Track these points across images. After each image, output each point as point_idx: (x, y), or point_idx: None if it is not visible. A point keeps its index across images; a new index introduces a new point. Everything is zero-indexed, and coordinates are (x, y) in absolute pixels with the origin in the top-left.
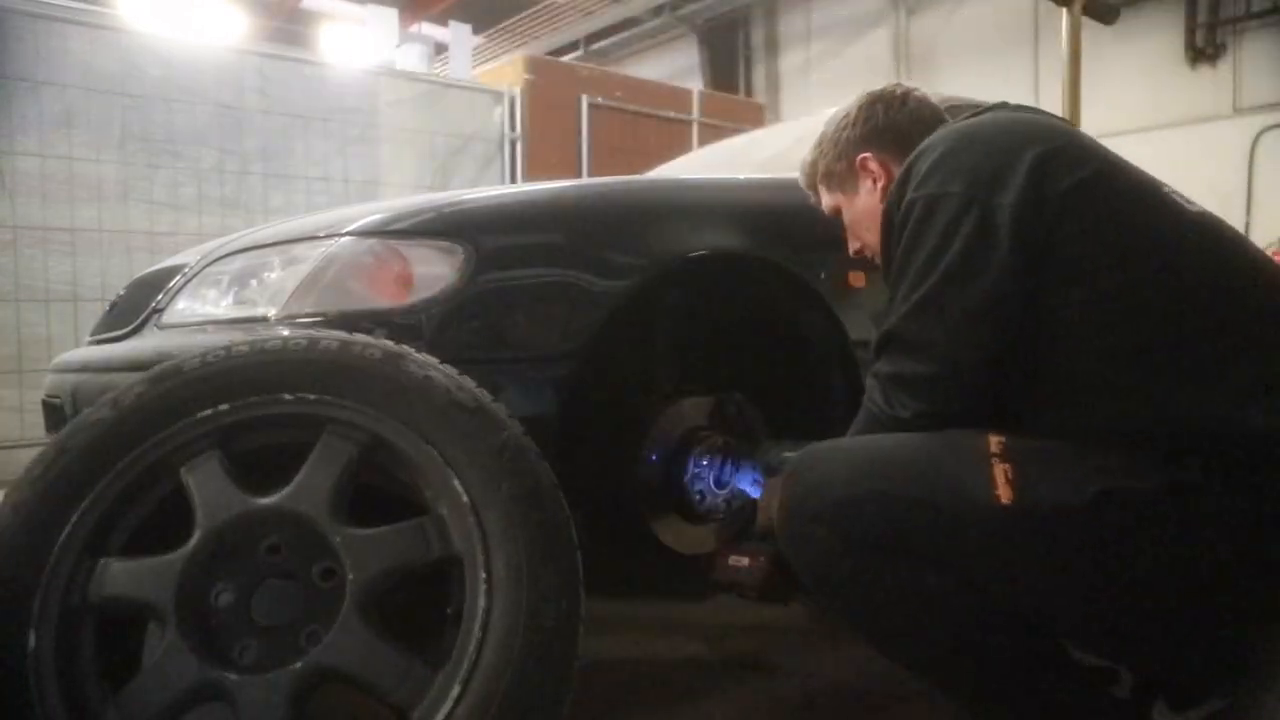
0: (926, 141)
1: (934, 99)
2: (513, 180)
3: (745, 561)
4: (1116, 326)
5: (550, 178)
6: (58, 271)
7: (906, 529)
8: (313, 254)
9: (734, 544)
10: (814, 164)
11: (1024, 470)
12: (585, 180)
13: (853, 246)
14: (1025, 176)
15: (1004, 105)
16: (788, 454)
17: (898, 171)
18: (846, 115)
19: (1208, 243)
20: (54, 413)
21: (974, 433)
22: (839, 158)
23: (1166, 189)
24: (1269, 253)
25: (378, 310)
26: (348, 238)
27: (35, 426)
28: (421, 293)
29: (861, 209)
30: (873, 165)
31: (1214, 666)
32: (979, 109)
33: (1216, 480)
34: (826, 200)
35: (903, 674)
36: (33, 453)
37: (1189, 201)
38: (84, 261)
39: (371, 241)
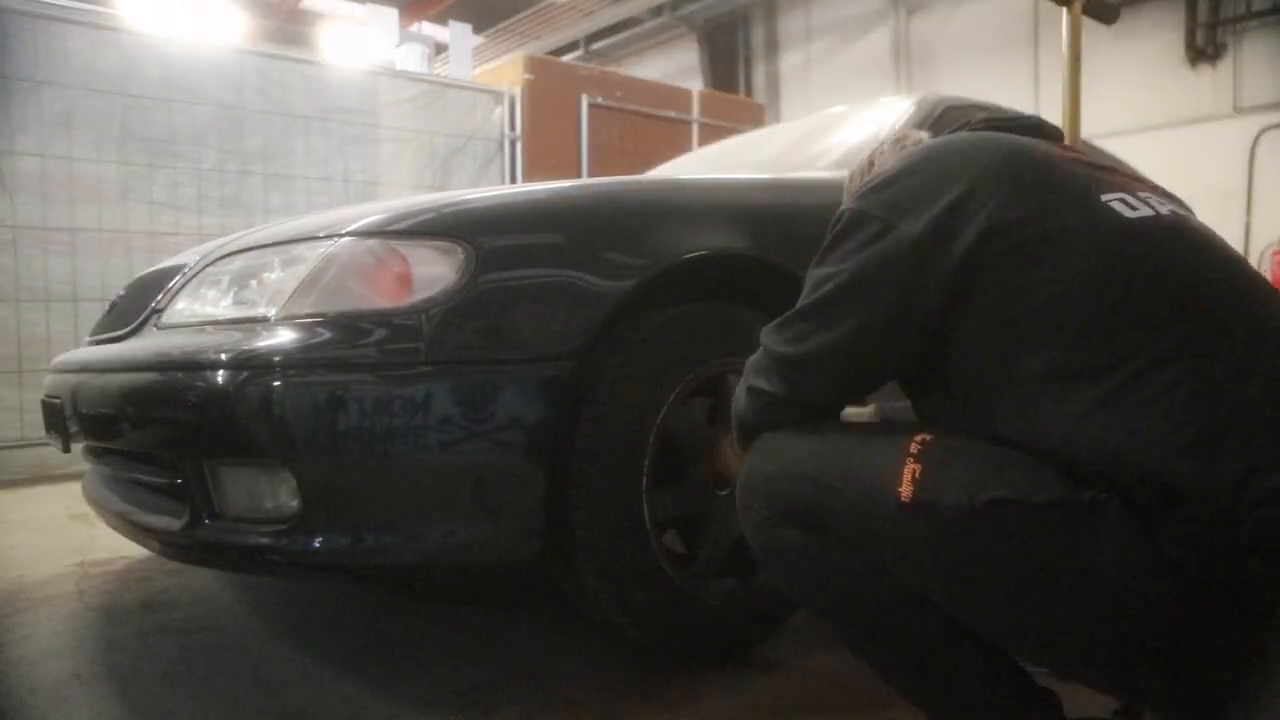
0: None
1: (933, 98)
2: (513, 180)
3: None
4: (1019, 350)
5: (550, 178)
6: (58, 271)
7: (818, 509)
8: (312, 254)
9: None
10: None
11: (930, 471)
12: (586, 180)
13: None
14: (941, 210)
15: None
16: None
17: None
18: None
19: (1149, 251)
20: (54, 412)
21: (909, 433)
22: None
23: (1103, 200)
24: (1269, 253)
25: (377, 311)
26: (347, 238)
27: (35, 426)
28: (421, 293)
29: None
30: None
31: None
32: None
33: (1112, 508)
34: None
35: None
36: (33, 453)
37: (1133, 206)
38: (84, 261)
39: (371, 242)
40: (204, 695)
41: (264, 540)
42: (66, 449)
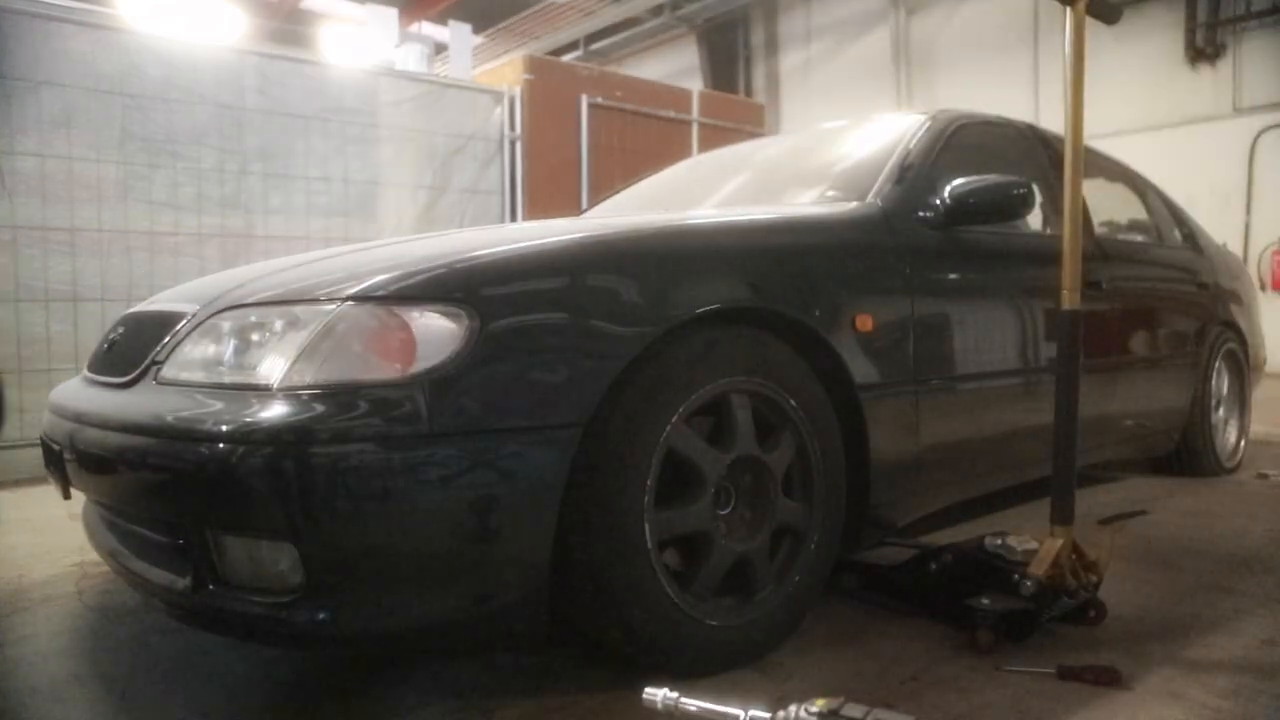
0: None
1: (948, 115)
2: (512, 180)
3: None
4: None
5: (552, 215)
6: (57, 271)
7: None
8: (313, 319)
9: None
10: None
11: None
12: (589, 228)
13: None
14: None
15: None
16: None
17: None
18: None
19: None
20: (52, 456)
21: None
22: None
23: None
24: (1269, 253)
25: (379, 381)
26: (349, 303)
27: (35, 426)
28: (424, 361)
29: None
30: None
31: None
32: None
33: None
34: None
35: (901, 675)
36: (33, 453)
37: None
38: (84, 261)
39: (372, 307)
40: (204, 695)
41: (267, 611)
42: (67, 495)
